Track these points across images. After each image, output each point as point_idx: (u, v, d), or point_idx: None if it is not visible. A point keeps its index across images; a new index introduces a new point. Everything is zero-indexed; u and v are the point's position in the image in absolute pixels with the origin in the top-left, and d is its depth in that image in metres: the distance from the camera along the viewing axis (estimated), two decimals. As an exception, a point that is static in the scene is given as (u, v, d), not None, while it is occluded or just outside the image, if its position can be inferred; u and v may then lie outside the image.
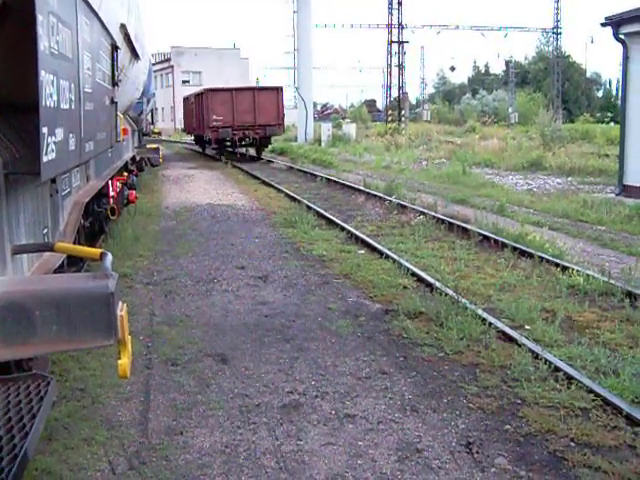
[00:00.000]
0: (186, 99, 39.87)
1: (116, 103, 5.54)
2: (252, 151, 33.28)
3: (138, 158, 16.14)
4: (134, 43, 7.16)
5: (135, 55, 8.03)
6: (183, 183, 21.65)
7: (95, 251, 3.25)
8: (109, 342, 2.70)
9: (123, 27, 5.96)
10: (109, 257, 3.07)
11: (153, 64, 38.12)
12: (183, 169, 27.06)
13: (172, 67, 71.33)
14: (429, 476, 4.31)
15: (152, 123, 30.94)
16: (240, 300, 8.10)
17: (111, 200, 8.41)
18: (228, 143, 31.65)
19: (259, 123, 30.13)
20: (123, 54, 6.15)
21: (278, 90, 31.81)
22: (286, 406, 5.28)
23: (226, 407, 5.24)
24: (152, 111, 29.56)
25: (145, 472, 4.33)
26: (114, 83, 5.18)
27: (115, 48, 5.04)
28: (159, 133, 36.61)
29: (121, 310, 2.77)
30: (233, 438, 4.76)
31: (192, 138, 41.09)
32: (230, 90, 31.17)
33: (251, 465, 4.43)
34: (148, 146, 18.94)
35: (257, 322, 7.27)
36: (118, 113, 6.10)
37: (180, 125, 67.48)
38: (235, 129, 29.97)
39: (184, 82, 70.92)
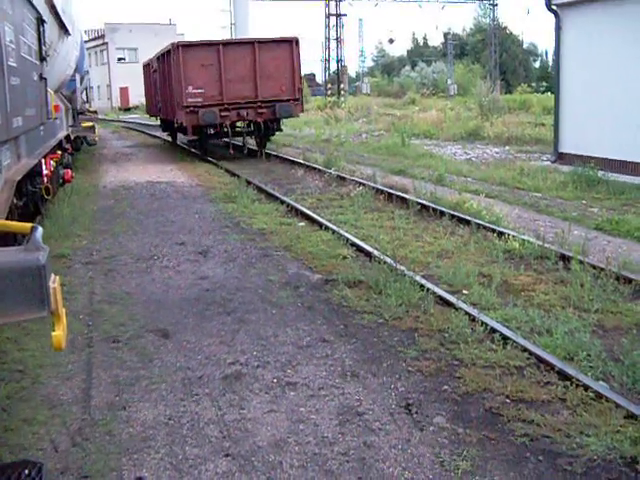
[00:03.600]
0: (146, 66, 28.81)
1: (45, 79, 5.46)
2: (250, 142, 22.12)
3: (73, 137, 15.86)
4: (62, 17, 7.03)
5: (65, 30, 7.89)
6: (121, 162, 21.36)
7: (25, 225, 3.24)
8: (42, 314, 2.71)
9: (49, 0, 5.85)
10: (39, 230, 3.05)
11: (86, 41, 36.63)
12: (121, 148, 26.65)
13: (106, 44, 69.83)
14: (370, 437, 4.41)
15: (87, 102, 29.91)
16: (181, 275, 8.09)
17: (45, 179, 8.25)
18: (213, 131, 21.02)
19: (263, 97, 20.05)
20: (50, 28, 6.05)
21: (292, 44, 20.71)
22: (228, 377, 5.32)
23: (169, 380, 5.26)
24: (86, 89, 28.68)
25: (88, 448, 4.33)
26: (42, 58, 5.10)
27: (41, 22, 4.96)
28: (95, 112, 29.94)
29: (54, 282, 2.77)
30: (176, 410, 4.79)
31: (160, 123, 28.79)
32: (215, 45, 20.03)
33: (195, 435, 4.47)
34: (83, 125, 18.60)
35: (198, 296, 7.28)
36: (49, 90, 6.00)
37: (117, 103, 66.55)
38: (225, 108, 19.66)
39: (119, 59, 69.68)
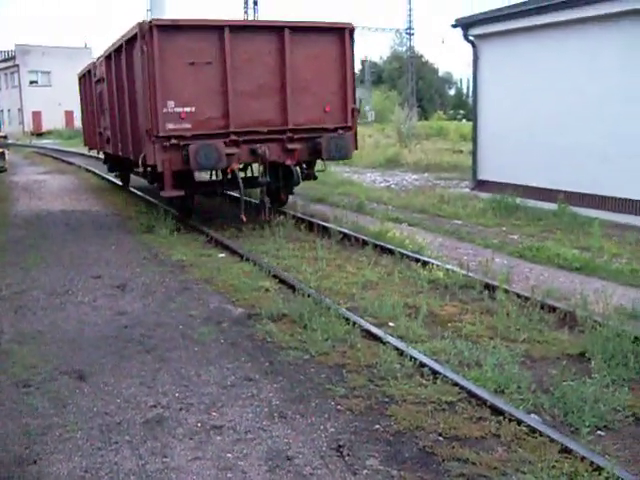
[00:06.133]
0: (84, 76, 20.32)
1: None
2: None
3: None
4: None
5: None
6: (34, 189, 20.60)
7: None
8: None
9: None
10: None
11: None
12: (34, 174, 25.76)
13: (17, 66, 68.06)
14: (301, 484, 4.20)
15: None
16: (97, 311, 7.72)
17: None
18: (211, 180, 14.17)
19: (297, 124, 12.59)
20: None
21: (344, 34, 12.87)
22: (149, 421, 5.03)
23: (85, 428, 4.93)
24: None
25: (-5, 507, 3.98)
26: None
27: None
28: (5, 137, 27.50)
29: None
30: (94, 461, 4.47)
31: (105, 159, 20.21)
32: (217, 29, 11.93)
33: (113, 489, 4.17)
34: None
35: (116, 334, 6.94)
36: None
37: (29, 128, 64.81)
38: (231, 142, 12.02)
39: (32, 82, 68.07)
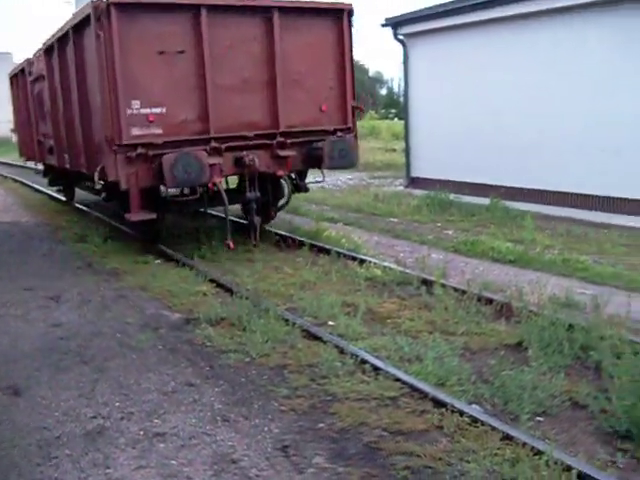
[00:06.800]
0: (16, 75, 17.72)
1: None
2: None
3: None
4: None
5: None
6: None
7: None
8: None
9: None
10: None
11: None
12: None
13: None
14: (247, 487, 4.17)
15: None
16: (31, 324, 7.52)
17: None
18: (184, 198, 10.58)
19: (290, 125, 10.70)
20: None
21: (341, 17, 11.07)
22: (90, 433, 4.92)
23: (22, 444, 4.78)
24: None
25: None
26: None
27: None
28: None
29: None
30: (32, 478, 4.34)
31: (44, 171, 17.84)
32: (191, 10, 9.79)
33: (54, 503, 4.07)
34: None
35: (51, 346, 6.76)
36: None
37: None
38: (213, 149, 9.94)
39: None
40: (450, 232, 11.78)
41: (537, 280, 7.97)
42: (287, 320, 6.94)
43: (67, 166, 12.76)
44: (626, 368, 5.21)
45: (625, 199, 12.11)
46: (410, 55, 17.11)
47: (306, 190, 11.76)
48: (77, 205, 16.67)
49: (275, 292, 8.29)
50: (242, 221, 11.67)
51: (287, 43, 10.46)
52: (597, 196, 12.58)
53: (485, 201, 13.73)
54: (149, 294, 8.48)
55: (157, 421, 5.07)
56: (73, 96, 11.32)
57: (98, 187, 10.56)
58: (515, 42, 13.93)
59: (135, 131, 9.50)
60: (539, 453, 4.26)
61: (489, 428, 4.66)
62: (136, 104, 9.49)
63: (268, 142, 10.42)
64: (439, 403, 5.09)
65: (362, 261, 9.36)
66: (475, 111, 14.93)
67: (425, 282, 8.16)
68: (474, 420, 4.79)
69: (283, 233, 11.36)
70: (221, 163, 9.87)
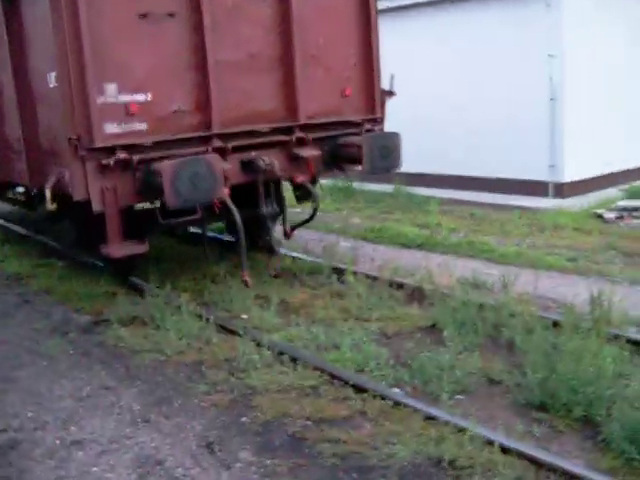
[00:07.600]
0: None
1: None
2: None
3: None
4: None
5: None
6: None
7: None
8: None
9: None
10: None
11: None
12: None
13: None
14: (174, 487, 4.08)
15: None
16: None
17: None
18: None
19: (311, 114, 7.92)
20: None
21: None
22: (1, 447, 4.70)
23: None
24: None
25: None
26: None
27: None
28: None
29: None
30: (-59, 498, 4.14)
31: None
32: None
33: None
34: None
35: (-48, 359, 6.46)
36: None
37: None
38: (217, 149, 7.14)
39: None
40: (356, 220, 11.85)
41: (445, 263, 8.13)
42: (200, 316, 6.82)
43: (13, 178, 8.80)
44: (537, 343, 5.36)
45: (514, 180, 12.58)
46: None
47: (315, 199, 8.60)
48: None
49: (186, 288, 8.12)
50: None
51: (304, 5, 7.80)
52: (491, 179, 12.97)
53: (389, 188, 13.84)
54: (55, 298, 8.17)
55: (74, 428, 4.91)
56: (3, 77, 7.97)
57: (51, 208, 7.05)
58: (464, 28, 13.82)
59: (111, 128, 6.68)
60: (462, 430, 4.36)
61: (412, 410, 4.74)
62: (111, 89, 6.65)
63: (284, 138, 7.87)
64: (360, 389, 5.13)
65: (271, 252, 9.28)
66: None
67: (336, 270, 8.15)
68: (396, 403, 4.86)
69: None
70: (227, 169, 7.17)
